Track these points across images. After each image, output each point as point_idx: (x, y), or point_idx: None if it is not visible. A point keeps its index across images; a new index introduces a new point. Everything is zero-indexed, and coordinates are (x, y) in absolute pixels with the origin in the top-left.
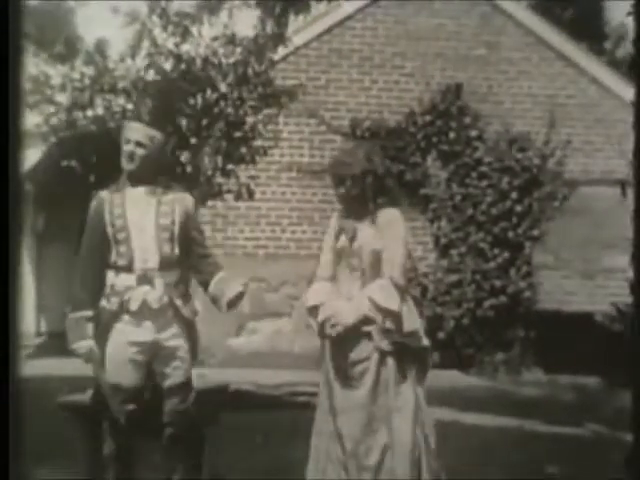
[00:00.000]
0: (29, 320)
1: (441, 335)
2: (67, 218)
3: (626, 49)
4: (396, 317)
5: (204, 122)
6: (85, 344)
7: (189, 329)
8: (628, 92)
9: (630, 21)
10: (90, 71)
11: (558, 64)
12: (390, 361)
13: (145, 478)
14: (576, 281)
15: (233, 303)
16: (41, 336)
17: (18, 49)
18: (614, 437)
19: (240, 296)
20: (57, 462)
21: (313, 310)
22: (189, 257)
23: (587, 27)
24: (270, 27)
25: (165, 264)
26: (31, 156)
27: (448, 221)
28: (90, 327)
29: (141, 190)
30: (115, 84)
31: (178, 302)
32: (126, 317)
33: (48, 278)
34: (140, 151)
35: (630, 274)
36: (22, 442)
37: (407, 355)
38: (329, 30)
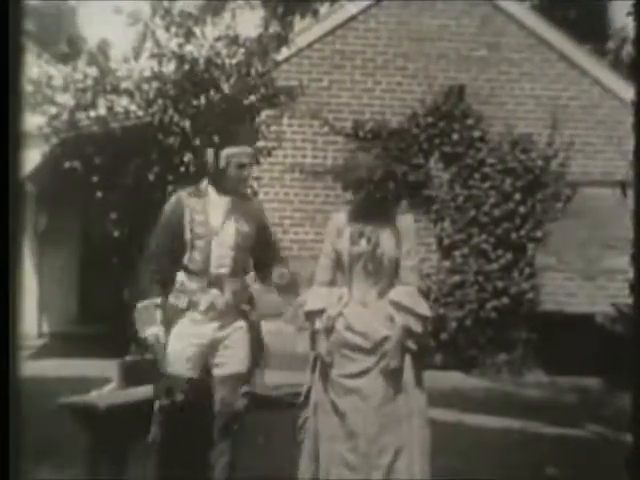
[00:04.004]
0: (31, 321)
1: (444, 336)
2: (69, 219)
3: (629, 50)
4: (426, 321)
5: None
6: (153, 330)
7: (252, 327)
8: (630, 93)
9: (630, 21)
10: (93, 72)
11: (560, 65)
12: (408, 361)
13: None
14: (578, 282)
15: (283, 284)
16: (43, 337)
17: (18, 49)
18: (616, 438)
19: (284, 276)
20: (61, 462)
21: (311, 314)
22: (264, 262)
23: (590, 28)
24: (273, 28)
25: (236, 271)
26: (33, 157)
27: (451, 222)
28: (159, 314)
29: (224, 199)
30: (118, 85)
31: (245, 307)
32: (193, 315)
33: (50, 279)
34: (249, 171)
35: (630, 275)
36: (22, 442)
37: (420, 355)
38: (332, 31)
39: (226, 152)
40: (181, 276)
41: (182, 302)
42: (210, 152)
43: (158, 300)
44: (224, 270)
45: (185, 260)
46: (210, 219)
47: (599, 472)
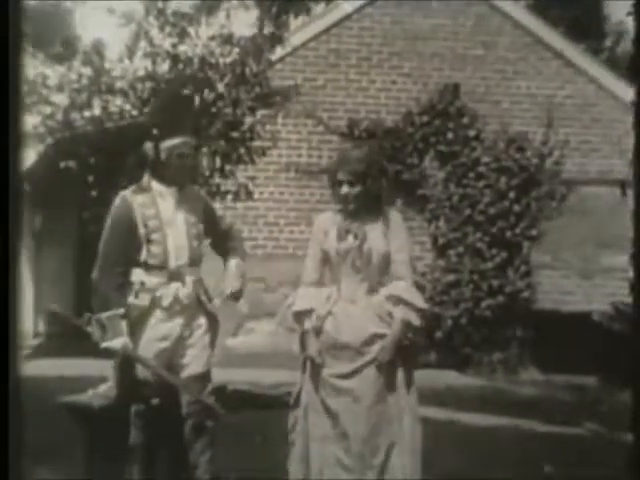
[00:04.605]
0: (27, 321)
1: (439, 335)
2: (65, 219)
3: (625, 48)
4: (425, 314)
5: (202, 123)
6: (120, 341)
7: (212, 322)
8: (626, 92)
9: (630, 20)
10: (87, 72)
11: (555, 64)
12: (399, 360)
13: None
14: (574, 281)
15: (233, 298)
16: (39, 337)
17: (18, 50)
18: (612, 437)
19: (237, 294)
20: (57, 462)
21: (300, 315)
22: (220, 245)
23: (585, 26)
24: (268, 27)
25: (193, 260)
26: (28, 157)
27: (446, 221)
28: (124, 324)
29: (170, 190)
30: (112, 85)
31: (204, 298)
32: (157, 313)
33: (46, 278)
34: (191, 161)
35: (630, 273)
36: (22, 442)
37: (411, 354)
38: (327, 30)
39: (166, 144)
40: (139, 275)
41: (144, 301)
42: (149, 146)
43: (122, 310)
44: (183, 261)
45: (143, 256)
46: (161, 211)
47: (595, 471)
